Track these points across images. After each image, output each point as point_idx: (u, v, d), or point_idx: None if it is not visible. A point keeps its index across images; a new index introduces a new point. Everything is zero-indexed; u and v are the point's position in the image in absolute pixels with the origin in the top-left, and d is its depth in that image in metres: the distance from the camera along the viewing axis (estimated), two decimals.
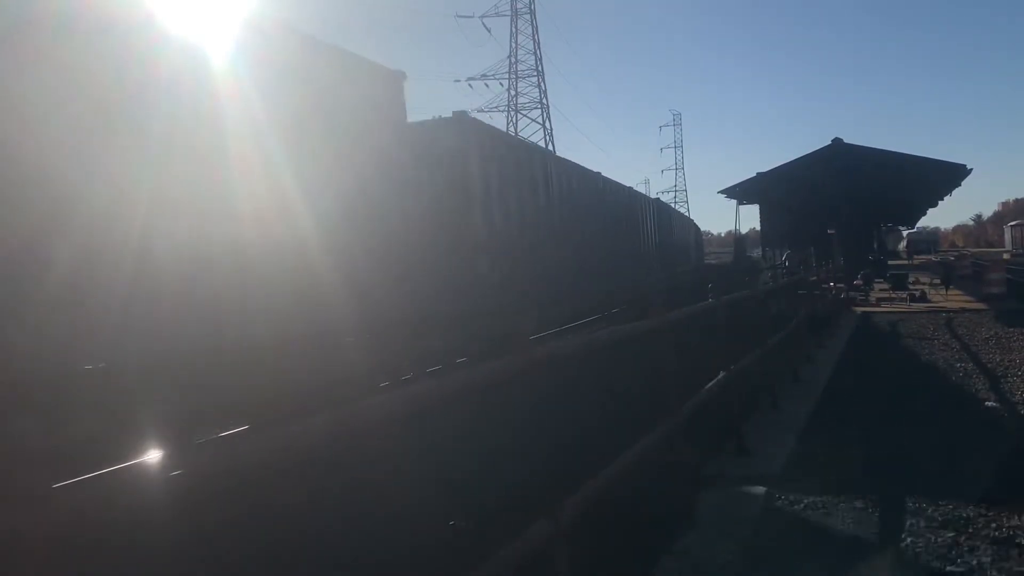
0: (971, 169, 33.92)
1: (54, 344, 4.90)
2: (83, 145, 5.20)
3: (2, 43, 4.76)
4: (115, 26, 5.54)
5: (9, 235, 4.73)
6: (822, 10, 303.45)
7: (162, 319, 5.61)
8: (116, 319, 5.23)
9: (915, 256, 60.44)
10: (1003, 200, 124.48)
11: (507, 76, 65.99)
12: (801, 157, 36.36)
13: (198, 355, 5.98)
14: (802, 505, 5.18)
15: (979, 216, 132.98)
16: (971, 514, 4.82)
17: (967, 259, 32.07)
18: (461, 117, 11.96)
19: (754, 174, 38.15)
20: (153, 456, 5.25)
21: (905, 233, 75.21)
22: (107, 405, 5.12)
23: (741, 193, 39.41)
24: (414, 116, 12.11)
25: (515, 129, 63.07)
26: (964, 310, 18.02)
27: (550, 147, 55.93)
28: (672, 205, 66.09)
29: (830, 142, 35.13)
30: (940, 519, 4.79)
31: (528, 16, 66.05)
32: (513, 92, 66.09)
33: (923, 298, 21.28)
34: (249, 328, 6.41)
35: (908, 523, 4.76)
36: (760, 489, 5.46)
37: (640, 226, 23.90)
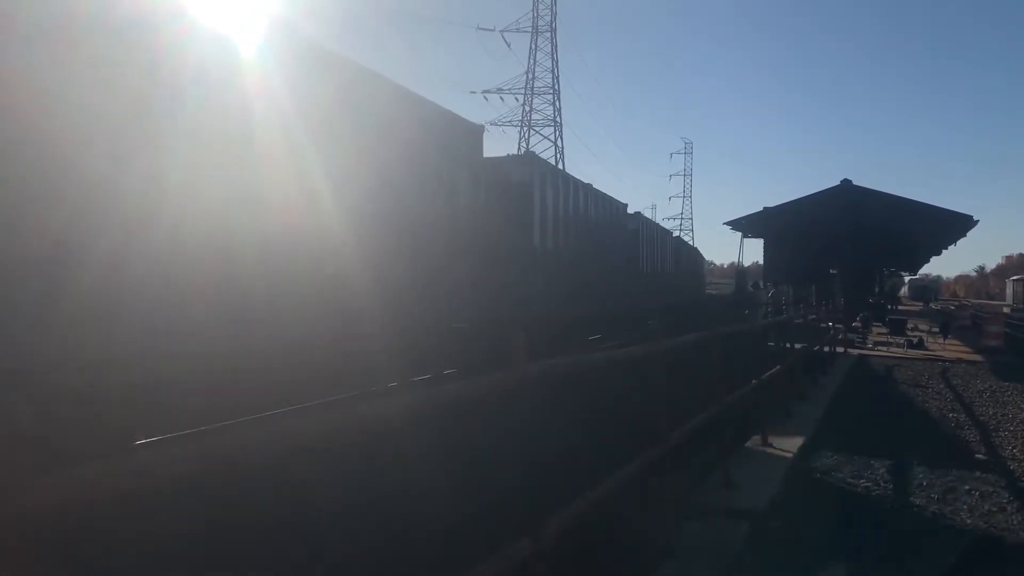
0: (977, 220, 33.98)
1: (84, 339, 4.88)
2: (116, 140, 5.21)
3: (38, 38, 4.78)
4: (146, 20, 5.56)
5: (41, 230, 4.73)
6: (842, 54, 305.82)
7: (190, 315, 5.61)
8: (146, 314, 5.24)
9: (925, 303, 60.42)
10: (1007, 254, 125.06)
11: (523, 92, 66.28)
12: (809, 195, 36.41)
13: (226, 352, 5.98)
14: (786, 542, 5.16)
15: (982, 268, 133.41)
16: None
17: (967, 310, 32.09)
18: (530, 156, 16.33)
19: (760, 208, 38.23)
20: (156, 447, 5.22)
21: (907, 279, 75.35)
22: (130, 399, 5.08)
23: (747, 226, 39.46)
24: None
25: (527, 145, 63.28)
26: (961, 360, 18.00)
27: (560, 165, 56.02)
28: (678, 233, 66.30)
29: (839, 183, 35.22)
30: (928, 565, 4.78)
31: (548, 34, 66.37)
32: (528, 108, 66.33)
33: (920, 345, 21.27)
34: (279, 327, 6.45)
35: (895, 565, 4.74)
36: (744, 523, 5.44)
37: (652, 255, 24.89)
